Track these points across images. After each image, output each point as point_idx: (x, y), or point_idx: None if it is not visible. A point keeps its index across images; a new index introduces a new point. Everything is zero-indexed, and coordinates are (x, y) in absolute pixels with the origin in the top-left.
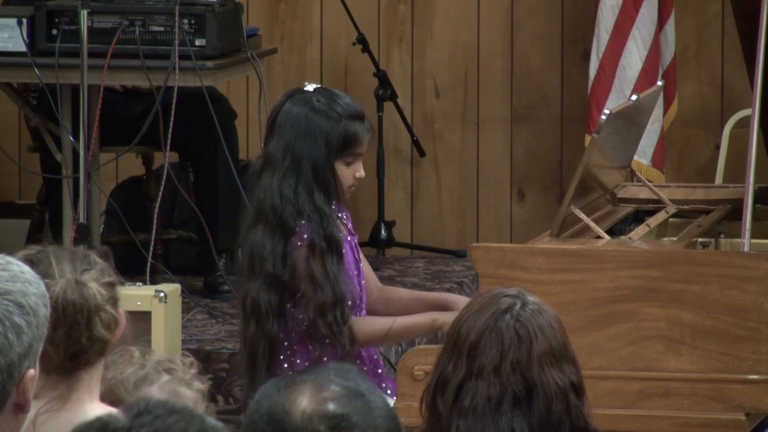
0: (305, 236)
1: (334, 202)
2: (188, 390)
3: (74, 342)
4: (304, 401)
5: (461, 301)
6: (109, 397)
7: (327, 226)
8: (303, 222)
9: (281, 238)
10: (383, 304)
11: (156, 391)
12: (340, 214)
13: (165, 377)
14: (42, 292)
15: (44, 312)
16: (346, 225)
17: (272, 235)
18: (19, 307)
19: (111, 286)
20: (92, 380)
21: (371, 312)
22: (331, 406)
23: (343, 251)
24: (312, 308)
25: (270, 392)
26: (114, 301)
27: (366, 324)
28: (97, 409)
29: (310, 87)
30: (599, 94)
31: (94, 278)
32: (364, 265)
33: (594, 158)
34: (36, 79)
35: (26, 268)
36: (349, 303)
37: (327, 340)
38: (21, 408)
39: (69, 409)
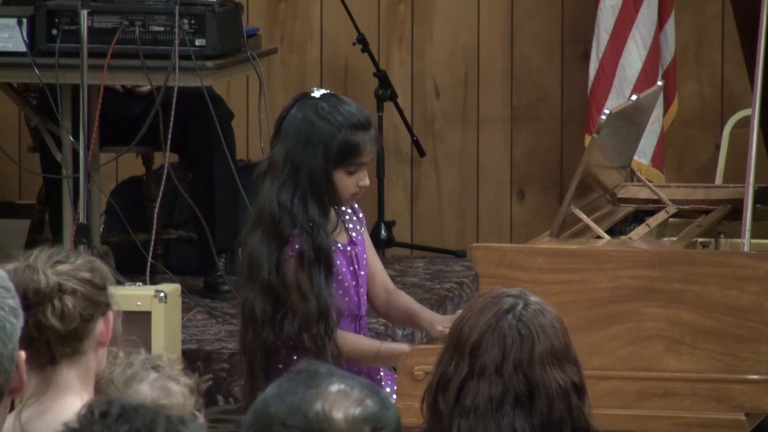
0: (296, 246)
1: (347, 207)
2: (176, 385)
3: None
4: (340, 407)
5: (437, 320)
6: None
7: (317, 238)
8: (296, 232)
9: (276, 247)
10: (385, 307)
11: (146, 388)
12: (347, 216)
13: (153, 374)
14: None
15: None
16: (348, 232)
17: (268, 243)
18: (6, 290)
19: (86, 283)
20: (70, 377)
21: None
22: (369, 403)
23: (336, 262)
24: (297, 321)
25: (293, 399)
26: (83, 296)
27: (356, 342)
28: (76, 406)
29: (317, 93)
30: (599, 94)
31: (60, 271)
32: (375, 267)
33: (594, 158)
34: (36, 79)
35: None
36: (335, 316)
37: (312, 354)
38: (16, 391)
39: (45, 406)
